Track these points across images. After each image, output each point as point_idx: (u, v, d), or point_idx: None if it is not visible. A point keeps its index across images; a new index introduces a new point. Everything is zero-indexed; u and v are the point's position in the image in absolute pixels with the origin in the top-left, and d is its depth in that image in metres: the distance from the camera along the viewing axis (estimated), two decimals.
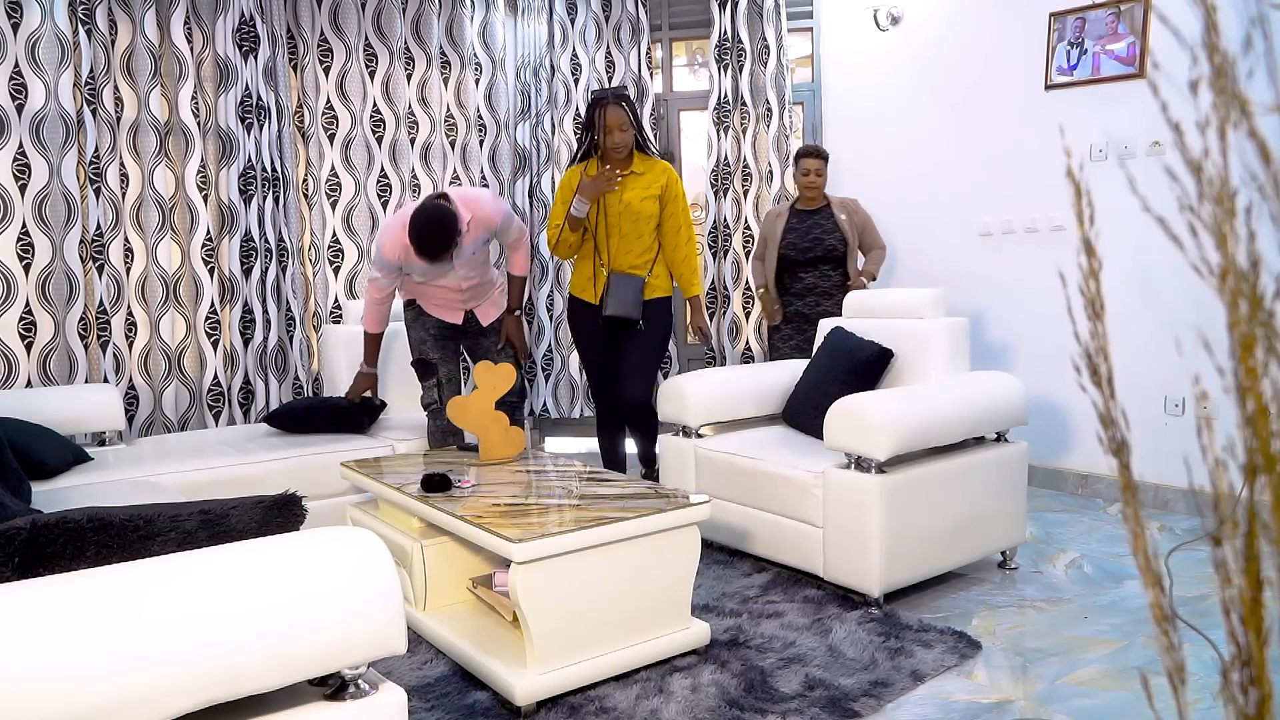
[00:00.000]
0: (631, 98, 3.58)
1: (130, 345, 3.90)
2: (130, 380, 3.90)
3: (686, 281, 3.66)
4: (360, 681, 1.30)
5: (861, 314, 3.47)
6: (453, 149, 4.76)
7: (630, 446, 3.98)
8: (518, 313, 3.51)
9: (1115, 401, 0.73)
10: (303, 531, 1.35)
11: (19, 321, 3.60)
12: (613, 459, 3.74)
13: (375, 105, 4.54)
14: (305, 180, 4.46)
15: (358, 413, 3.57)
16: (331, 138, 4.47)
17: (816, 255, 4.14)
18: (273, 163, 4.21)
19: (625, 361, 3.59)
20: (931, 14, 4.52)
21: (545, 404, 5.14)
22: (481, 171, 4.82)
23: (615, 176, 3.43)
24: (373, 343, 3.47)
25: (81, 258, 3.67)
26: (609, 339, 3.63)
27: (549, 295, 5.07)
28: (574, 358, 5.14)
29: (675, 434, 3.41)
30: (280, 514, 1.39)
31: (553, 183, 5.02)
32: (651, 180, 3.57)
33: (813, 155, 4.16)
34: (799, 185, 4.20)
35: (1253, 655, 0.66)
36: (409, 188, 4.62)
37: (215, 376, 4.07)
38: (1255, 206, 0.65)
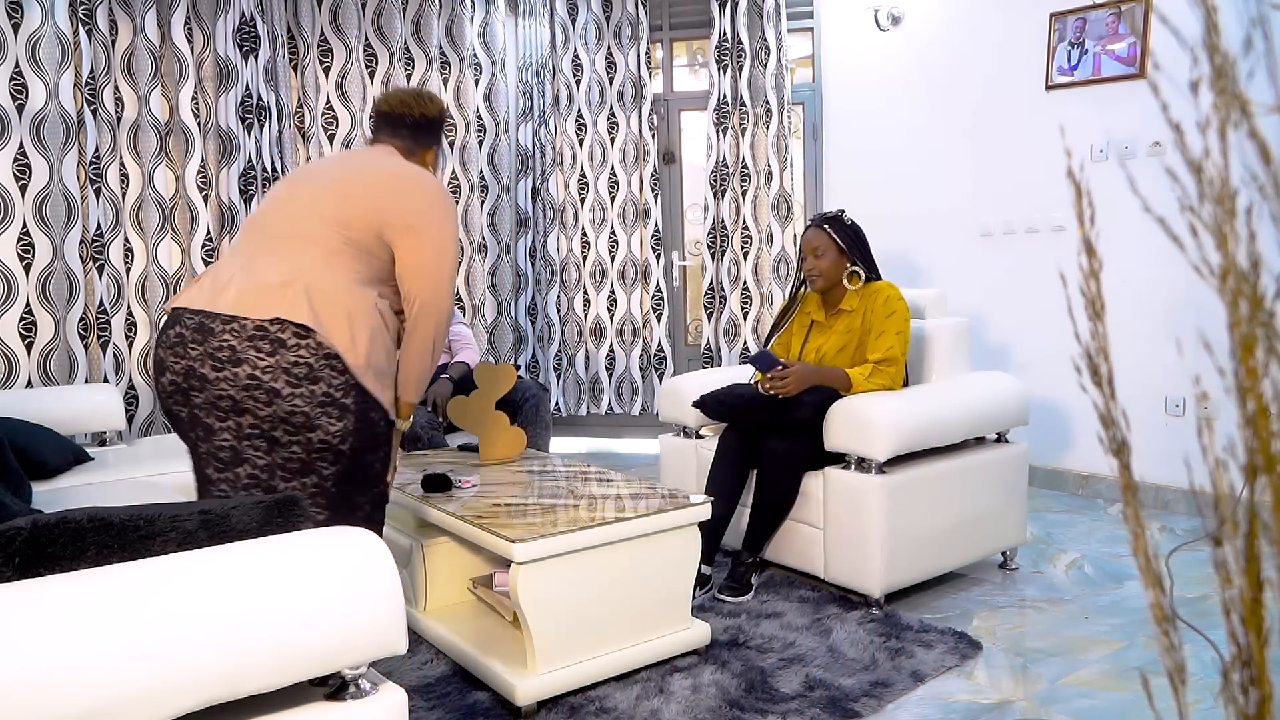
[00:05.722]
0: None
1: (130, 345, 3.90)
2: (130, 380, 3.90)
3: None
4: (361, 681, 1.30)
5: None
6: (451, 149, 4.76)
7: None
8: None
9: (1115, 402, 0.73)
10: (303, 532, 1.35)
11: (19, 321, 3.60)
12: None
13: None
14: None
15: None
16: (331, 138, 4.47)
17: None
18: (273, 163, 4.21)
19: None
20: (932, 14, 4.52)
21: (557, 403, 5.16)
22: (480, 172, 4.82)
23: None
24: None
25: (82, 258, 3.67)
26: None
27: (557, 297, 5.09)
28: (580, 357, 5.16)
29: (675, 434, 3.41)
30: (281, 514, 1.39)
31: (561, 184, 5.03)
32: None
33: None
34: None
35: (1253, 655, 0.66)
36: None
37: None
38: (1255, 207, 0.65)
